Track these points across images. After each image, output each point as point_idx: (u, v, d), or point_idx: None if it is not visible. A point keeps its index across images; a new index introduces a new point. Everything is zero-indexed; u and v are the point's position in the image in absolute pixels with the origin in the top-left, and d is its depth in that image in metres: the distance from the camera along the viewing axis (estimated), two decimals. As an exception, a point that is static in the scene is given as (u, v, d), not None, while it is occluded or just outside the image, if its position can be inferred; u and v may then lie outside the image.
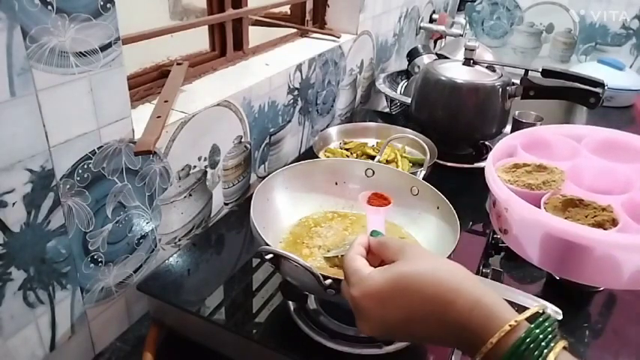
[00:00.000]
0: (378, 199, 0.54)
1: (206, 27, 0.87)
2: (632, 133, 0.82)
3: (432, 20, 1.82)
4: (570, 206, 0.67)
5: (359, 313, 0.43)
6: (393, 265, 0.42)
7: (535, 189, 0.70)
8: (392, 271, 0.42)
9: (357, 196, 0.55)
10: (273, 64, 0.94)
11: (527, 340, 0.36)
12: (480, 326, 0.38)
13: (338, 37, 1.15)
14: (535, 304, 0.47)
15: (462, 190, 0.95)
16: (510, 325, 0.37)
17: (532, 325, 0.37)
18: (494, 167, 0.75)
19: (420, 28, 1.77)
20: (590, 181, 0.74)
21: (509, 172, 0.75)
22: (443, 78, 1.00)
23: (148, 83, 0.74)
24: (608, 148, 0.81)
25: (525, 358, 0.36)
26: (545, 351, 0.36)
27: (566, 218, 0.65)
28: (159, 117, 0.64)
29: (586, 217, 0.66)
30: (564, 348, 0.37)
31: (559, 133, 0.83)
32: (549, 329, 0.37)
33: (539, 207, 0.68)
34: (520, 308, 0.41)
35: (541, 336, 0.36)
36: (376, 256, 0.46)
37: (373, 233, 0.50)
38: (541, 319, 0.38)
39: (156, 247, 0.71)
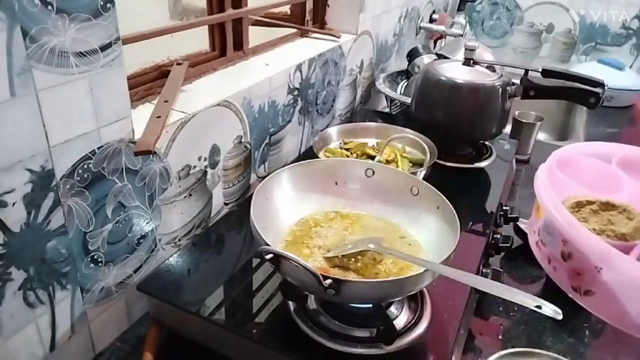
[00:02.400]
0: None
1: (206, 27, 0.87)
2: None
3: (432, 20, 1.82)
4: None
5: None
6: None
7: (630, 239, 0.61)
8: None
9: (358, 196, 0.55)
10: (273, 64, 0.94)
11: None
12: None
13: (338, 37, 1.15)
14: (535, 304, 0.47)
15: (462, 190, 0.95)
16: None
17: None
18: (565, 208, 0.63)
19: (420, 28, 1.77)
20: None
21: (574, 212, 0.65)
22: (443, 78, 1.00)
23: (148, 83, 0.74)
24: (634, 165, 0.77)
25: None
26: None
27: None
28: (159, 117, 0.64)
29: None
30: None
31: (583, 153, 0.78)
32: None
33: (630, 252, 0.59)
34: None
35: None
36: None
37: None
38: None
39: (156, 247, 0.71)
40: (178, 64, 0.79)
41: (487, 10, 2.37)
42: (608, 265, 0.56)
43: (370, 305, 0.62)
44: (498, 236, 0.85)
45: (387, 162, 0.94)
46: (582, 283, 0.60)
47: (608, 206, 0.65)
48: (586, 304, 0.60)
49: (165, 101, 0.68)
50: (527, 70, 1.01)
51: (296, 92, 0.99)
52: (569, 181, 0.70)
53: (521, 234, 0.91)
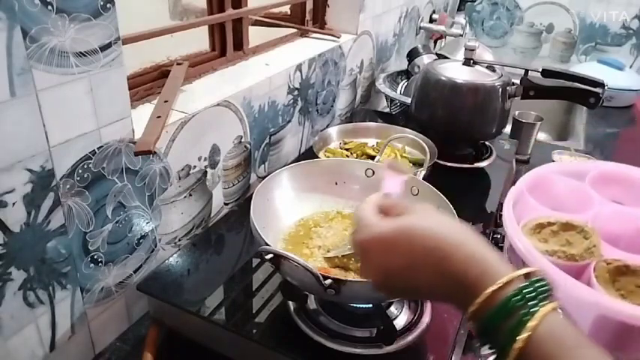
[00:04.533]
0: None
1: (206, 27, 0.87)
2: (627, 165, 0.81)
3: (432, 20, 1.82)
4: (617, 274, 0.62)
5: (364, 256, 0.45)
6: (400, 217, 0.44)
7: (579, 260, 0.64)
8: (399, 221, 0.43)
9: (358, 196, 0.55)
10: (273, 64, 0.94)
11: (518, 296, 0.36)
12: (475, 279, 0.39)
13: (338, 37, 1.15)
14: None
15: (462, 190, 0.95)
16: (505, 280, 0.37)
17: (526, 283, 0.37)
18: (521, 230, 0.67)
19: (420, 28, 1.77)
20: (613, 232, 0.70)
21: (534, 234, 0.68)
22: (443, 78, 1.00)
23: (148, 83, 0.74)
24: (608, 182, 0.79)
25: (513, 313, 0.36)
26: (534, 310, 0.36)
27: (617, 290, 0.61)
28: (159, 117, 0.64)
29: (639, 287, 0.61)
30: (554, 309, 0.36)
31: (558, 172, 0.80)
32: (542, 289, 0.37)
33: (582, 277, 0.62)
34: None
35: (532, 294, 0.36)
36: (386, 215, 0.47)
37: (386, 196, 0.51)
38: (535, 279, 0.38)
39: (156, 247, 0.71)
40: (178, 64, 0.79)
41: (487, 10, 2.37)
42: (556, 284, 0.60)
43: (370, 305, 0.62)
44: (498, 236, 0.85)
45: (387, 162, 0.94)
46: None
47: (568, 227, 0.68)
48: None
49: (165, 101, 0.68)
50: (527, 70, 1.01)
51: (296, 92, 0.99)
52: (536, 203, 0.73)
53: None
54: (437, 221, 0.43)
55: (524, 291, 0.37)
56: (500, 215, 0.92)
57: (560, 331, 0.35)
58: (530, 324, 0.35)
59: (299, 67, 0.98)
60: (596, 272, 0.62)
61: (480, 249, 0.40)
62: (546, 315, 0.35)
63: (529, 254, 0.63)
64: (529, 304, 0.36)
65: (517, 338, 0.35)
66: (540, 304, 0.36)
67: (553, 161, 1.25)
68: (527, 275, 0.38)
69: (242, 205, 0.87)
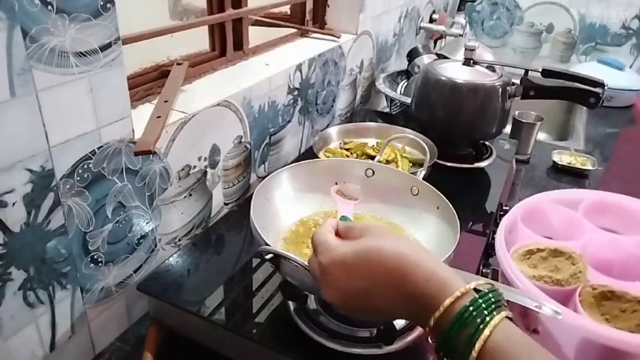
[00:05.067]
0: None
1: (206, 27, 0.87)
2: (619, 194, 0.84)
3: (432, 20, 1.82)
4: (603, 299, 0.65)
5: (325, 279, 0.45)
6: (359, 240, 0.46)
7: (565, 285, 0.66)
8: (358, 243, 0.45)
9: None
10: (273, 64, 0.94)
11: (471, 307, 0.38)
12: (433, 295, 0.40)
13: (338, 37, 1.15)
14: (534, 304, 0.47)
15: (462, 190, 0.95)
16: (459, 292, 0.39)
17: (477, 295, 0.39)
18: (510, 257, 0.70)
19: (420, 28, 1.77)
20: (605, 259, 0.72)
21: (524, 260, 0.71)
22: (443, 78, 1.00)
23: (148, 83, 0.74)
24: (602, 210, 0.82)
25: (469, 324, 0.38)
26: (487, 319, 0.38)
27: (602, 315, 0.63)
28: (159, 117, 0.64)
29: (623, 311, 0.63)
30: (507, 317, 0.39)
31: (552, 200, 0.83)
32: (493, 299, 0.39)
33: (569, 301, 0.65)
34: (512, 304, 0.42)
35: (484, 305, 0.39)
36: (343, 239, 0.49)
37: (342, 219, 0.54)
38: (486, 291, 0.40)
39: (156, 247, 0.71)
40: (178, 64, 0.79)
41: (487, 10, 2.37)
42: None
43: (370, 305, 0.62)
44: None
45: (387, 162, 0.94)
46: (531, 323, 0.67)
47: (556, 253, 0.71)
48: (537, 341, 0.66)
49: (165, 101, 0.68)
50: (527, 70, 1.01)
51: (296, 92, 0.99)
52: (529, 232, 0.76)
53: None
54: (395, 242, 0.44)
55: (479, 301, 0.39)
56: (501, 215, 0.93)
57: (514, 339, 0.37)
58: (484, 334, 0.37)
59: (299, 67, 0.98)
60: (582, 297, 0.65)
61: (437, 266, 0.42)
62: (498, 324, 0.38)
63: (517, 279, 0.66)
64: (483, 313, 0.38)
65: (473, 347, 0.37)
66: (493, 313, 0.38)
67: (553, 161, 1.26)
68: (477, 288, 0.40)
69: (242, 205, 0.87)
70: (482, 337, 0.37)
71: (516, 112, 1.29)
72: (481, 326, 0.37)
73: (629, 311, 0.63)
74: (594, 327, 0.60)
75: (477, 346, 0.37)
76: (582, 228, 0.77)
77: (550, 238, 0.78)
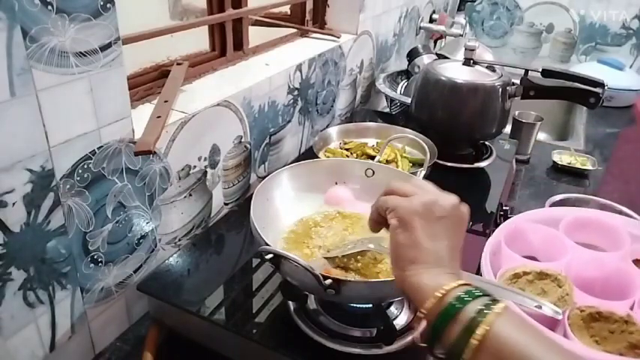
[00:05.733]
0: None
1: (206, 27, 0.87)
2: (599, 210, 0.87)
3: (432, 20, 1.82)
4: (591, 321, 0.65)
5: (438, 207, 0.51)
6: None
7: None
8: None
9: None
10: (273, 64, 0.94)
11: (472, 291, 0.40)
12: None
13: (338, 37, 1.15)
14: (535, 304, 0.47)
15: (462, 190, 0.94)
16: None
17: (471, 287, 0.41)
18: (499, 280, 0.71)
19: (420, 28, 1.77)
20: (587, 277, 0.73)
21: (511, 284, 0.72)
22: (443, 78, 1.00)
23: (148, 83, 0.74)
24: (583, 226, 0.83)
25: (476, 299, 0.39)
26: (490, 306, 0.38)
27: (592, 337, 0.64)
28: (159, 117, 0.64)
29: (612, 332, 0.64)
30: (505, 309, 0.38)
31: (533, 220, 0.84)
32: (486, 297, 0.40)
33: (557, 326, 0.65)
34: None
35: (480, 293, 0.40)
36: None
37: None
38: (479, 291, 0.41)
39: (156, 247, 0.71)
40: (178, 64, 0.79)
41: (487, 10, 2.37)
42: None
43: (370, 305, 0.62)
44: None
45: (387, 162, 0.94)
46: None
47: (542, 275, 0.71)
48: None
49: (165, 101, 0.68)
50: (527, 70, 1.01)
51: (296, 92, 0.99)
52: (512, 253, 0.76)
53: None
54: None
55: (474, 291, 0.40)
56: (501, 215, 0.93)
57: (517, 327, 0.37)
58: (490, 317, 0.37)
59: (299, 67, 0.98)
60: (570, 320, 0.65)
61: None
62: (501, 313, 0.37)
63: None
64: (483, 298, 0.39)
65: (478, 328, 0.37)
66: (491, 305, 0.38)
67: (553, 161, 1.26)
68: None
69: (242, 205, 0.87)
70: (487, 321, 0.37)
71: (516, 112, 1.29)
72: (488, 309, 0.38)
73: (618, 332, 0.64)
74: (588, 353, 0.60)
75: (482, 330, 0.37)
76: (564, 246, 0.78)
77: (534, 258, 0.80)
